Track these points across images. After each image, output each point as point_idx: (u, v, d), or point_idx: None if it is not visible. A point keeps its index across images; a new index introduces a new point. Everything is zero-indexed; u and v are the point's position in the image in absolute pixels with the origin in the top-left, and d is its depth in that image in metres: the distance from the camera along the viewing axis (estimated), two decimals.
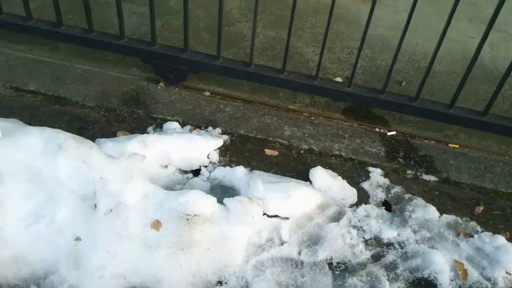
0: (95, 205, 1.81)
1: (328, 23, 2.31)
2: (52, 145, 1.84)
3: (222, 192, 2.14)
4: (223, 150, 2.33)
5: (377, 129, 2.59)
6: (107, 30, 2.63)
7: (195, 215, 1.79)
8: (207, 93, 2.68)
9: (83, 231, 1.81)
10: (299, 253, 1.95)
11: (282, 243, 1.96)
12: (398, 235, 2.07)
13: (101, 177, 1.81)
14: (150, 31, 2.50)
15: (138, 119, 2.44)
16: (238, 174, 2.15)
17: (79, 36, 2.53)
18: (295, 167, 2.31)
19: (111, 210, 1.80)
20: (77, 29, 2.56)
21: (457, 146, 2.56)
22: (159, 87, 2.64)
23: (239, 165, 2.24)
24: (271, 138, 2.43)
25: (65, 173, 1.83)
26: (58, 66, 2.65)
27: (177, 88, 2.66)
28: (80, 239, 1.80)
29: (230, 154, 2.33)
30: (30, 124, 2.17)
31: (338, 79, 2.84)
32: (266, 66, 2.60)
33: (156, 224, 1.81)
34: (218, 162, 2.27)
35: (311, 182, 2.20)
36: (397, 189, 2.26)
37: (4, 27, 2.59)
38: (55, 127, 2.26)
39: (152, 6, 2.40)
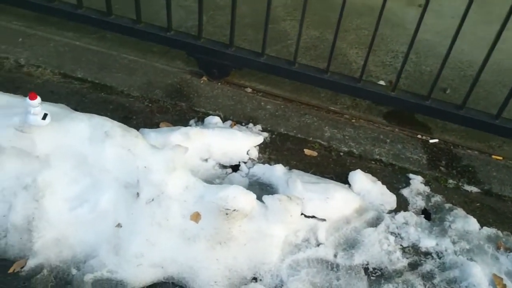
0: (138, 193, 1.84)
1: (376, 26, 2.28)
2: (99, 132, 1.87)
3: (260, 189, 2.14)
4: (263, 148, 2.34)
5: (419, 136, 2.55)
6: (153, 22, 2.66)
7: (234, 210, 1.80)
8: (249, 90, 2.69)
9: (125, 218, 1.84)
10: (335, 256, 1.94)
11: (318, 244, 1.95)
12: (437, 244, 2.04)
13: (145, 167, 1.84)
14: (197, 25, 2.52)
15: (181, 111, 2.46)
16: (277, 172, 2.15)
17: (127, 27, 2.57)
18: (334, 169, 2.30)
19: (152, 200, 1.83)
20: (126, 19, 2.59)
21: (501, 158, 2.50)
22: (202, 81, 2.66)
23: (278, 163, 2.24)
24: (311, 138, 2.42)
25: (111, 160, 1.86)
26: (105, 54, 2.71)
27: (219, 83, 2.68)
28: (121, 226, 1.84)
29: (270, 152, 2.33)
30: (76, 111, 2.23)
31: (381, 83, 2.81)
32: (310, 65, 2.59)
33: (196, 216, 1.83)
34: (257, 159, 2.28)
35: (350, 185, 2.19)
36: (437, 198, 2.22)
37: (56, 14, 2.65)
38: (100, 115, 2.32)
39: (201, 0, 2.42)
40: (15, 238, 1.82)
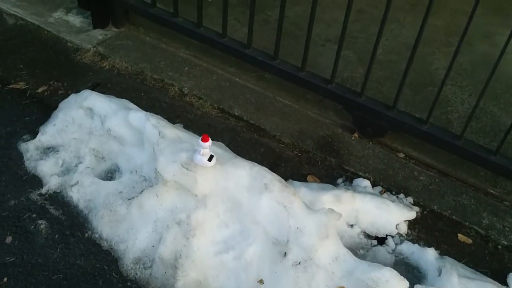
0: (285, 253, 1.79)
1: None
2: (259, 182, 1.86)
3: (406, 270, 1.99)
4: (412, 223, 2.18)
5: None
6: (309, 68, 2.63)
7: None
8: (401, 155, 2.55)
9: (267, 275, 1.80)
10: None
11: None
12: None
13: (298, 227, 1.78)
14: (362, 82, 2.47)
15: (329, 167, 2.40)
16: (428, 256, 1.99)
17: (290, 73, 2.57)
18: (490, 264, 2.07)
19: (299, 263, 1.76)
20: (290, 65, 2.60)
21: None
22: (353, 138, 2.58)
23: (427, 243, 2.08)
24: (467, 223, 2.21)
25: (264, 213, 1.84)
26: (262, 95, 2.73)
27: (370, 143, 2.57)
28: (262, 282, 1.79)
29: (419, 230, 2.17)
30: (228, 148, 2.25)
31: None
32: (477, 143, 2.39)
33: None
34: (406, 235, 2.13)
35: (507, 286, 1.95)
36: None
37: (224, 50, 2.73)
38: (251, 157, 2.32)
39: (371, 63, 2.36)
40: (160, 271, 1.85)
